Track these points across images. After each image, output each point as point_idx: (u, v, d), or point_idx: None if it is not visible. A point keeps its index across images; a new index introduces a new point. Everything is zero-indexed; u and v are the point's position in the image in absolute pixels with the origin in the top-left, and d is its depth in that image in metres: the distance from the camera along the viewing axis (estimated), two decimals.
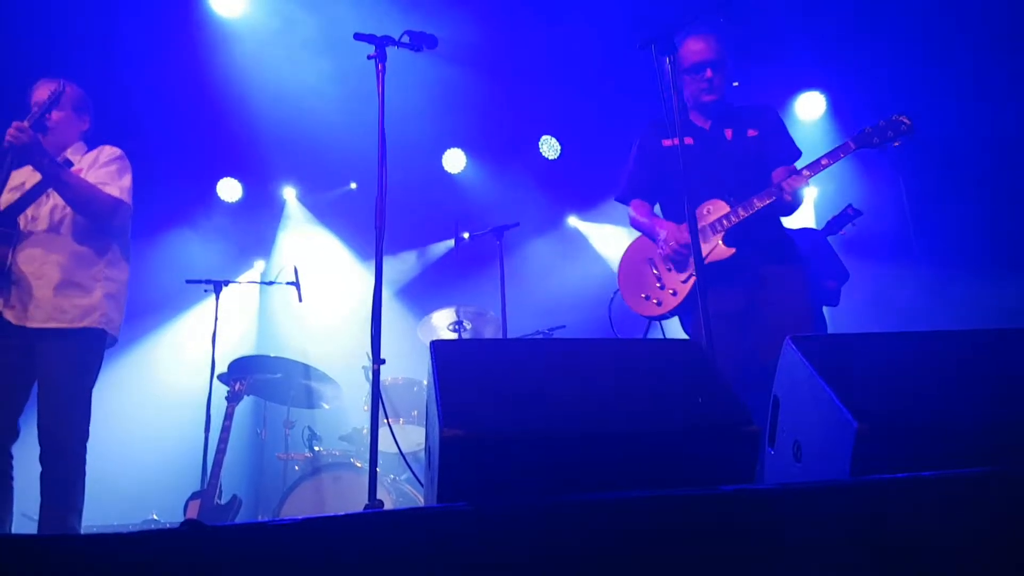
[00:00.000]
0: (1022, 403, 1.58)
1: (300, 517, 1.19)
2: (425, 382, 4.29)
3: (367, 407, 4.70)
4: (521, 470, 1.50)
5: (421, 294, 6.80)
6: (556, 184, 7.09)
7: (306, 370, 4.90)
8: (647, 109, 5.94)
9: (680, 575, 1.18)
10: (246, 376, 4.53)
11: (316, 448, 4.72)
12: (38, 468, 3.02)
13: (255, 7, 5.67)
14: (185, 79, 5.87)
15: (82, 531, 3.15)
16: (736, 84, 3.47)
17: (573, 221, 7.43)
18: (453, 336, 5.15)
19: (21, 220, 3.20)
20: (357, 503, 3.60)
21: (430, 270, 7.24)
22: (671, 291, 3.25)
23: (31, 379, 3.13)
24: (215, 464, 4.12)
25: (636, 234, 3.53)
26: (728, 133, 3.34)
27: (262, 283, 5.65)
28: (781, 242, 3.29)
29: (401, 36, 3.03)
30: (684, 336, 3.35)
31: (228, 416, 4.30)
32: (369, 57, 3.02)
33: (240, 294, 6.50)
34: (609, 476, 1.53)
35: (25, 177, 3.27)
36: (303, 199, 7.20)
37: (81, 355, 3.15)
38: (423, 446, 2.14)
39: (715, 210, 3.21)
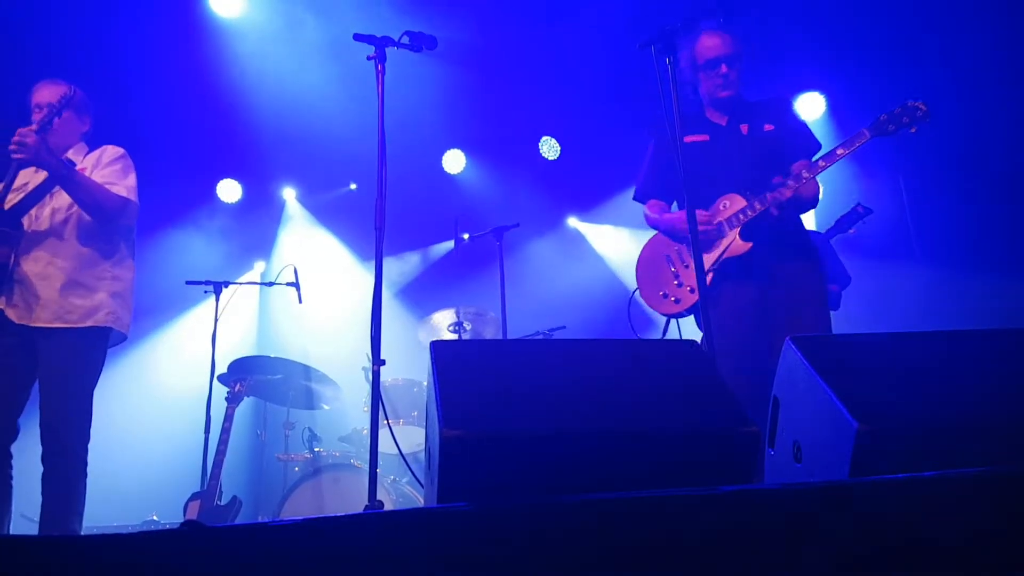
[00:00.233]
0: (1022, 403, 1.58)
1: (300, 518, 1.19)
2: (425, 383, 4.29)
3: (367, 408, 4.70)
4: (521, 470, 1.50)
5: (421, 295, 6.79)
6: (556, 184, 7.09)
7: (306, 371, 4.90)
8: (647, 109, 5.95)
9: (680, 575, 1.18)
10: (246, 377, 4.53)
11: (316, 449, 4.72)
12: (38, 469, 3.02)
13: (254, 7, 5.67)
14: (184, 80, 5.87)
15: (82, 532, 3.15)
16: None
17: (573, 222, 7.42)
18: (453, 337, 5.15)
19: (25, 221, 3.20)
20: (357, 504, 3.60)
21: (430, 271, 7.24)
22: (689, 288, 3.24)
23: (32, 379, 3.13)
24: (215, 465, 4.11)
25: (641, 234, 3.53)
26: (744, 128, 3.32)
27: (262, 284, 5.65)
28: (798, 239, 3.25)
29: (401, 37, 3.03)
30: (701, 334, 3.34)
31: (228, 417, 4.30)
32: (369, 58, 3.02)
33: (240, 295, 6.50)
34: (609, 476, 1.53)
35: (28, 178, 3.28)
36: (303, 200, 7.20)
37: (84, 354, 3.16)
38: (423, 447, 2.14)
39: (732, 204, 3.20)
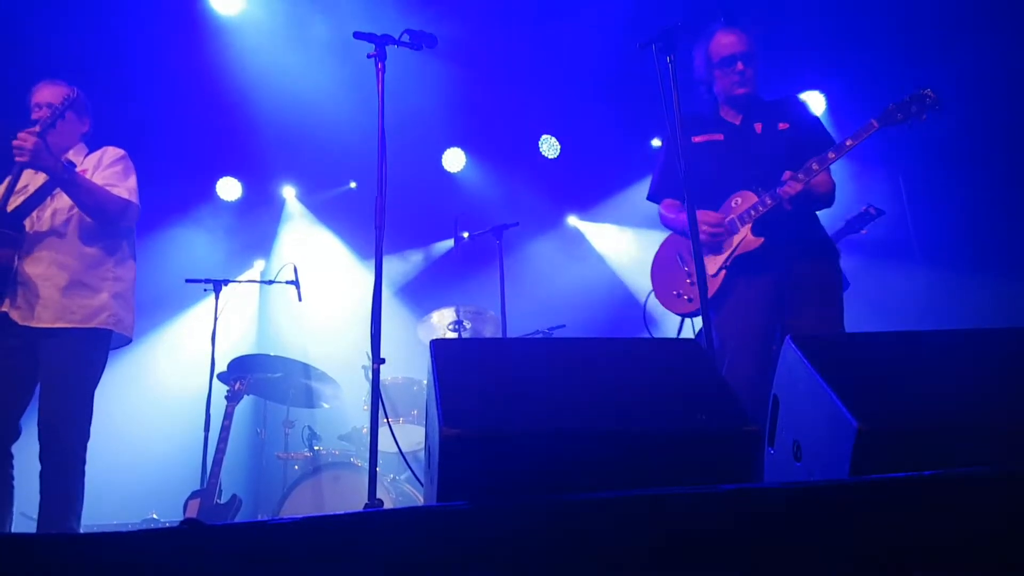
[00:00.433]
0: (1022, 403, 1.58)
1: (300, 516, 1.18)
2: (425, 381, 4.29)
3: (367, 406, 4.70)
4: (521, 469, 1.50)
5: (421, 293, 6.80)
6: (556, 184, 7.09)
7: (306, 369, 4.90)
8: (647, 109, 5.95)
9: (679, 574, 1.18)
10: (246, 375, 4.53)
11: (316, 447, 4.72)
12: (38, 468, 3.02)
13: (253, 5, 5.66)
14: (184, 78, 5.86)
15: (81, 530, 3.15)
16: None
17: (573, 221, 7.42)
18: (453, 335, 5.14)
19: (27, 223, 3.21)
20: (357, 502, 3.61)
21: (430, 269, 7.23)
22: None
23: (35, 380, 3.13)
24: (215, 463, 4.12)
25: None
26: (758, 127, 3.29)
27: (262, 282, 5.65)
28: (815, 237, 3.22)
29: (401, 35, 3.02)
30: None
31: (228, 415, 4.30)
32: (369, 56, 3.02)
33: (240, 293, 6.50)
34: (609, 475, 1.53)
35: (28, 180, 3.28)
36: (303, 198, 7.20)
37: (86, 355, 3.16)
38: (423, 445, 2.14)
39: (744, 201, 3.18)
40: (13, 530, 3.24)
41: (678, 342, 1.94)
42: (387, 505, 3.98)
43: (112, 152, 3.40)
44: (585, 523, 1.23)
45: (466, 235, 5.23)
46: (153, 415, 5.96)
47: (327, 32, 5.64)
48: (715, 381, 1.75)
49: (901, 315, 5.54)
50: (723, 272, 3.16)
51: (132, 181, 3.36)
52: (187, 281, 4.89)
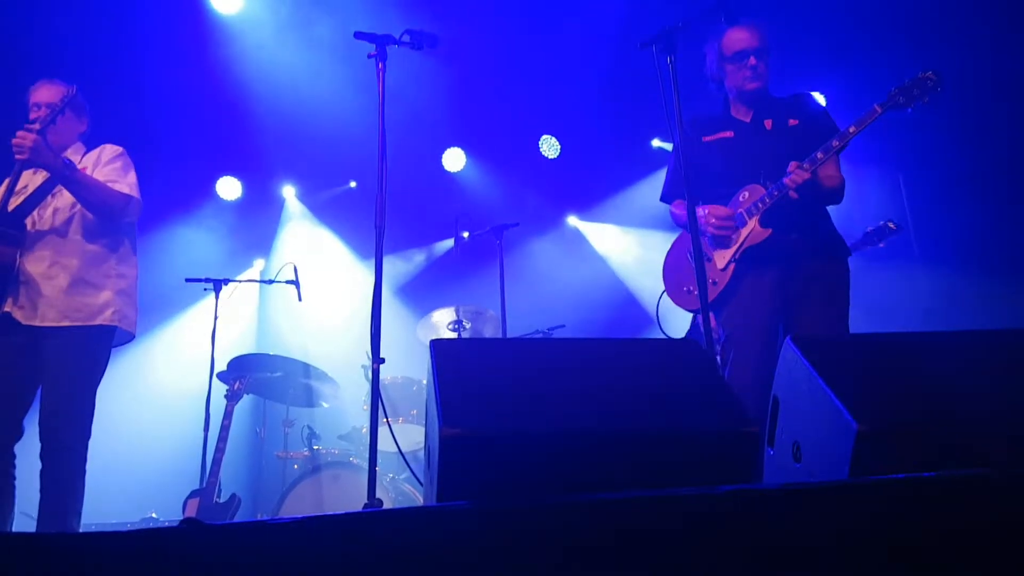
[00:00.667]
0: (1022, 403, 1.58)
1: (299, 516, 1.18)
2: (425, 381, 4.29)
3: (366, 406, 4.70)
4: (521, 469, 1.50)
5: (421, 293, 6.80)
6: (556, 184, 7.09)
7: (305, 369, 4.90)
8: (647, 109, 5.95)
9: (679, 575, 1.18)
10: (245, 375, 4.53)
11: (315, 447, 4.72)
12: (38, 467, 3.02)
13: (253, 4, 5.66)
14: (184, 78, 5.86)
15: (81, 529, 3.15)
16: None
17: (573, 221, 7.42)
18: (453, 335, 5.15)
19: (28, 222, 3.21)
20: (356, 502, 3.61)
21: (430, 269, 7.24)
22: (712, 281, 3.22)
23: (37, 380, 3.13)
24: (214, 463, 4.12)
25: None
26: (768, 123, 3.30)
27: (262, 282, 5.65)
28: (824, 234, 3.21)
29: (401, 35, 3.02)
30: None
31: (227, 414, 4.30)
32: (369, 56, 3.02)
33: (240, 293, 6.50)
34: (609, 475, 1.53)
35: (28, 180, 3.29)
36: (303, 198, 7.20)
37: (89, 353, 3.16)
38: (422, 445, 2.14)
39: (752, 194, 3.18)
40: (13, 529, 3.24)
41: (678, 342, 1.94)
42: (386, 505, 3.98)
43: (110, 149, 3.40)
44: (585, 523, 1.23)
45: (466, 235, 5.23)
46: (153, 414, 5.96)
47: (327, 32, 5.64)
48: (715, 381, 1.75)
49: (901, 316, 5.54)
50: (732, 266, 3.17)
51: (132, 176, 3.36)
52: (187, 280, 4.89)
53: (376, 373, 2.74)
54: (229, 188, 6.81)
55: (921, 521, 1.23)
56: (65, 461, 3.02)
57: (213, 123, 6.25)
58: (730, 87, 3.36)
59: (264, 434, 5.17)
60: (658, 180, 3.89)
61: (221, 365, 4.60)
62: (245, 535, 1.18)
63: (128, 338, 3.35)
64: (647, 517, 1.23)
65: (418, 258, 7.29)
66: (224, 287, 4.85)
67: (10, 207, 3.17)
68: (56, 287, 3.14)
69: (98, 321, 3.17)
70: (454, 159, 7.05)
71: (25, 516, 3.30)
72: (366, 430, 4.32)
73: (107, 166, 3.33)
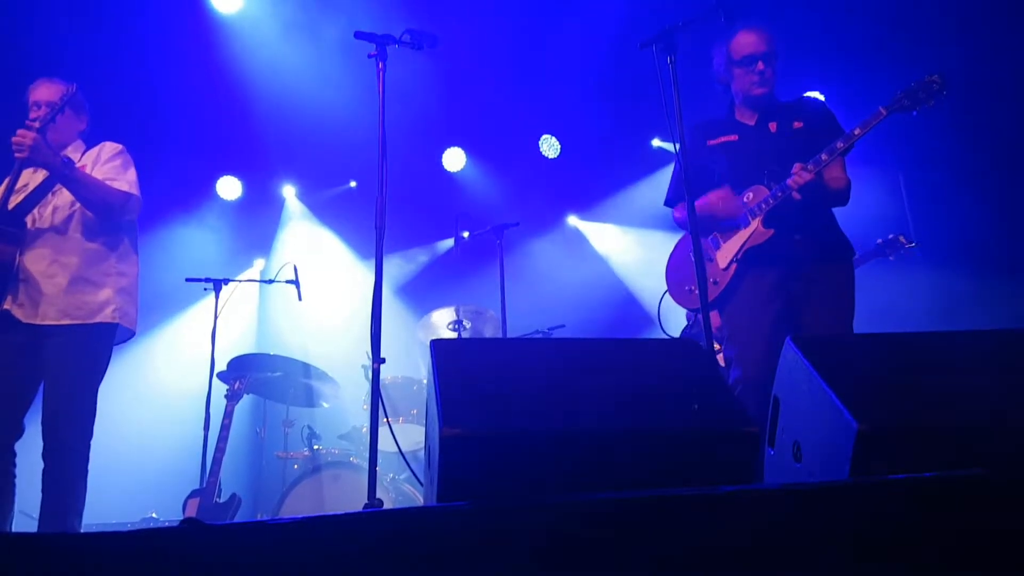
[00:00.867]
0: (1022, 403, 1.58)
1: (299, 516, 1.18)
2: (425, 381, 4.29)
3: (367, 406, 4.70)
4: (521, 469, 1.50)
5: (421, 293, 6.80)
6: (556, 183, 7.09)
7: (306, 368, 4.90)
8: (647, 109, 5.95)
9: (680, 575, 1.18)
10: (245, 374, 4.53)
11: (315, 447, 4.72)
12: (39, 466, 3.02)
13: (253, 4, 5.66)
14: (184, 77, 5.86)
15: (81, 529, 3.15)
16: None
17: (573, 220, 7.43)
18: (453, 335, 5.15)
19: (28, 220, 3.21)
20: (356, 502, 3.60)
21: (430, 269, 7.24)
22: (713, 280, 3.22)
23: (38, 378, 3.13)
24: (214, 462, 4.11)
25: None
26: (772, 126, 3.30)
27: (262, 281, 5.65)
28: (828, 234, 3.21)
29: (402, 35, 3.02)
30: None
31: (227, 414, 4.30)
32: (370, 56, 3.02)
33: (240, 292, 6.50)
34: (608, 475, 1.53)
35: (28, 179, 3.28)
36: (303, 197, 7.20)
37: (91, 351, 3.16)
38: (423, 445, 2.14)
39: (756, 195, 3.19)
40: (14, 529, 3.24)
41: (678, 342, 1.95)
42: (387, 505, 3.98)
43: (110, 147, 3.40)
44: (584, 524, 1.23)
45: (466, 235, 5.23)
46: (153, 414, 5.96)
47: (328, 32, 5.64)
48: (715, 381, 1.75)
49: (901, 316, 5.54)
50: (734, 265, 3.18)
51: (132, 174, 3.36)
52: (187, 280, 4.89)
53: (376, 373, 2.74)
54: (229, 188, 6.81)
55: (921, 521, 1.23)
56: (67, 461, 3.02)
57: (213, 122, 6.25)
58: (737, 91, 3.36)
59: (264, 434, 5.16)
60: (658, 180, 3.90)
61: (221, 365, 4.60)
62: (245, 535, 1.18)
63: (128, 335, 3.35)
64: (647, 517, 1.23)
65: (418, 258, 7.29)
66: (224, 287, 4.85)
67: (10, 205, 3.17)
68: (56, 285, 3.14)
69: (98, 319, 3.17)
70: (454, 159, 7.05)
71: (25, 516, 3.30)
72: (366, 430, 4.32)
73: (107, 164, 3.33)
